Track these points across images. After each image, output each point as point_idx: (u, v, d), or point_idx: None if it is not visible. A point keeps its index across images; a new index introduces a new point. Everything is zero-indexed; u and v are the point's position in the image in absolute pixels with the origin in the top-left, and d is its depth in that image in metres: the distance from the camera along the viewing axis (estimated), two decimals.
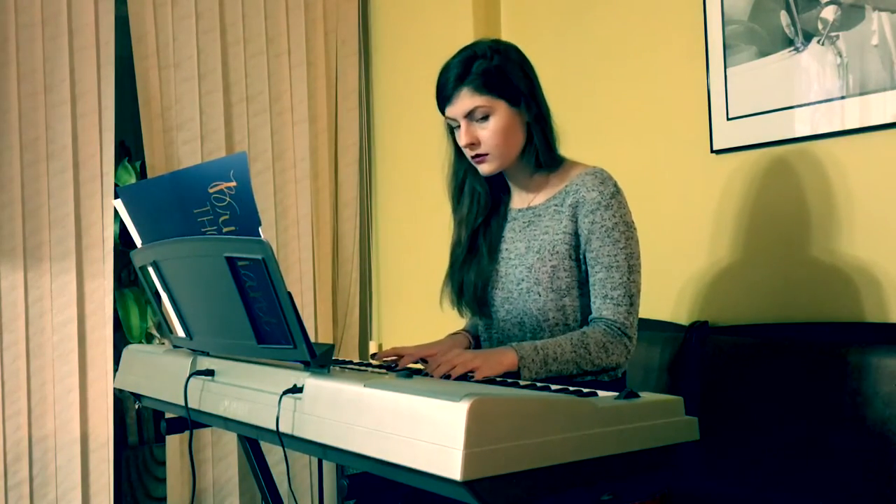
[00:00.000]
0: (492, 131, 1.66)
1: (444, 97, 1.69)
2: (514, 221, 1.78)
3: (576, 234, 1.67)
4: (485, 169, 1.71)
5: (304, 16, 3.09)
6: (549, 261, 1.67)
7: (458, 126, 1.69)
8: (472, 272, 1.78)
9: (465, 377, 1.48)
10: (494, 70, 1.66)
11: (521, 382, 1.45)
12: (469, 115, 1.66)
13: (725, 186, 2.20)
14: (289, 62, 3.06)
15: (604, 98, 2.51)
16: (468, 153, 1.71)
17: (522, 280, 1.70)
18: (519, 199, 1.80)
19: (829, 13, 1.97)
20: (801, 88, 2.02)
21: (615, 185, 1.67)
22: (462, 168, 1.80)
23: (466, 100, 1.66)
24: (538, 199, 1.75)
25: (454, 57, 1.70)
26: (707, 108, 2.22)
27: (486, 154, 1.68)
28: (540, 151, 1.71)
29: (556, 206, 1.70)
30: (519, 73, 1.69)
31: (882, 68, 1.87)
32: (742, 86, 2.14)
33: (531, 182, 1.76)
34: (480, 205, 1.80)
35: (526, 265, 1.70)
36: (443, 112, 1.72)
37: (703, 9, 2.23)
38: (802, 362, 1.86)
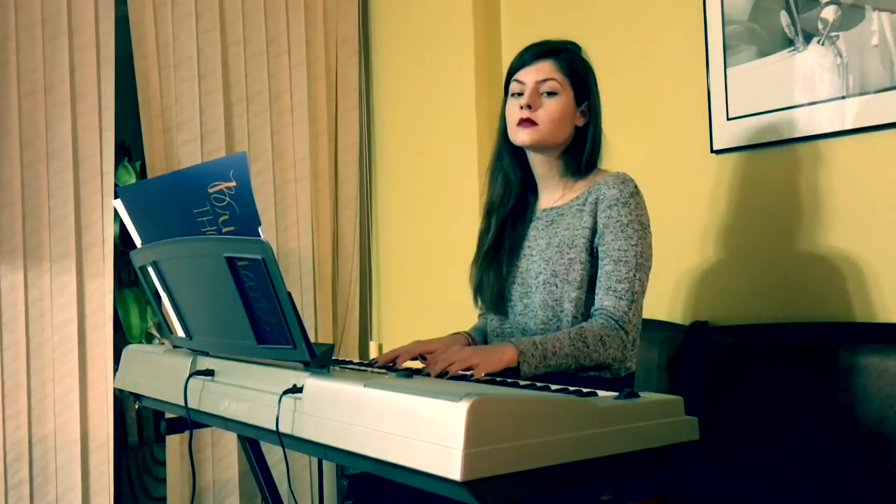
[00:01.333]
0: (552, 108, 1.74)
1: (523, 62, 1.78)
2: (538, 221, 1.82)
3: (594, 230, 1.71)
4: (525, 136, 1.75)
5: (304, 16, 3.09)
6: (567, 254, 1.71)
7: (518, 94, 1.76)
8: (492, 271, 1.82)
9: (465, 376, 1.48)
10: (580, 64, 1.79)
11: (521, 382, 1.45)
12: (540, 83, 1.74)
13: (725, 186, 2.20)
14: (289, 62, 3.06)
15: (604, 98, 2.50)
16: (519, 114, 1.75)
17: (540, 273, 1.73)
18: (545, 199, 1.84)
19: (829, 13, 1.97)
20: (801, 88, 2.02)
21: (635, 186, 1.72)
22: (501, 150, 1.86)
23: (547, 69, 1.75)
24: (562, 199, 1.80)
25: (546, 41, 1.80)
26: (707, 108, 2.22)
27: (536, 124, 1.74)
28: (584, 158, 1.78)
29: (578, 205, 1.75)
30: (594, 84, 1.82)
31: (882, 68, 1.87)
32: (742, 86, 2.14)
33: (560, 183, 1.81)
34: (511, 193, 1.85)
35: (545, 259, 1.74)
36: (511, 77, 1.79)
37: (703, 9, 2.23)
38: (802, 362, 1.86)
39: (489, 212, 1.88)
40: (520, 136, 1.75)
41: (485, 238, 1.87)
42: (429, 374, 1.49)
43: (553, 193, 1.82)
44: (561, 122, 1.74)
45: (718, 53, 2.19)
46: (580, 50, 1.82)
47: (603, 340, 1.60)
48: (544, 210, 1.82)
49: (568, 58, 1.77)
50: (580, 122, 1.79)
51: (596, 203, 1.71)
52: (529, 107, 1.73)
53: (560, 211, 1.78)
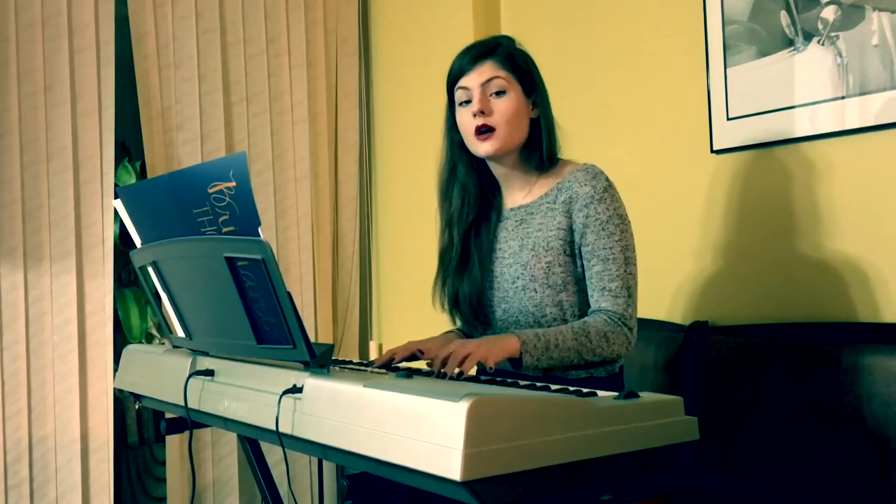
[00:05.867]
0: (505, 108, 1.69)
1: (461, 69, 1.72)
2: (507, 221, 1.78)
3: (570, 230, 1.67)
4: (486, 147, 1.69)
5: (304, 16, 3.09)
6: (544, 257, 1.67)
7: (467, 102, 1.70)
8: (465, 283, 1.77)
9: (462, 375, 1.48)
10: (520, 57, 1.73)
11: (521, 382, 1.45)
12: (485, 85, 1.69)
13: (725, 186, 2.20)
14: (289, 62, 3.06)
15: (604, 98, 2.51)
16: (474, 124, 1.68)
17: (518, 278, 1.70)
18: (510, 199, 1.80)
19: (829, 13, 1.97)
20: (801, 88, 2.02)
21: (607, 179, 1.69)
22: (455, 160, 1.79)
23: (489, 69, 1.69)
24: (530, 196, 1.76)
25: (477, 41, 1.76)
26: (707, 108, 2.22)
27: (494, 129, 1.68)
28: (544, 151, 1.72)
29: (548, 203, 1.71)
30: (537, 74, 1.76)
31: (882, 68, 1.87)
32: (742, 86, 2.14)
33: (524, 181, 1.77)
34: (470, 204, 1.79)
35: (521, 263, 1.70)
36: (453, 87, 1.73)
37: (703, 9, 2.22)
38: (802, 362, 1.86)
39: (448, 225, 1.82)
40: (482, 148, 1.70)
41: (448, 254, 1.81)
42: (432, 374, 1.49)
43: (519, 191, 1.78)
44: (517, 121, 1.69)
45: (718, 53, 2.19)
46: (515, 42, 1.76)
47: (607, 337, 1.59)
48: (512, 209, 1.78)
49: (506, 53, 1.71)
50: (533, 114, 1.74)
51: (569, 202, 1.67)
52: (483, 112, 1.67)
53: (529, 209, 1.74)
